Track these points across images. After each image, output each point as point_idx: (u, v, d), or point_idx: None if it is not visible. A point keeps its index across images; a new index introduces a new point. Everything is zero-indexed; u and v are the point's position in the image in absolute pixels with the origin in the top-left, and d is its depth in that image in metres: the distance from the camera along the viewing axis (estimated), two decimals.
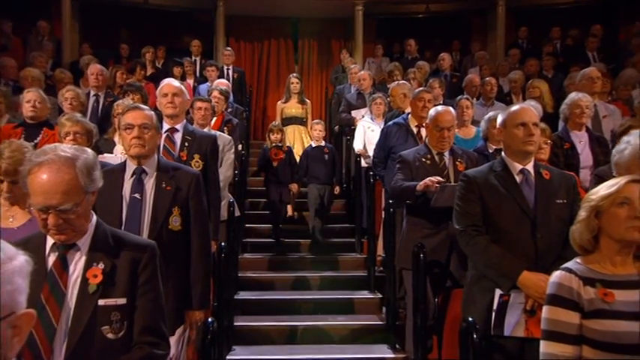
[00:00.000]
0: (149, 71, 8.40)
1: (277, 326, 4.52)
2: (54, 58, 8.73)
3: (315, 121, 6.64)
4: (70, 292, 1.70)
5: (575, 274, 1.91)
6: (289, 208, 6.32)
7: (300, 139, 7.17)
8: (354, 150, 6.24)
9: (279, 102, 7.44)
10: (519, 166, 2.70)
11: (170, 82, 3.59)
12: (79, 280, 1.71)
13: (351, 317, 4.75)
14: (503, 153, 2.80)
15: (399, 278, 4.20)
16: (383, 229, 5.16)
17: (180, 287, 2.66)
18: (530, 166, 2.72)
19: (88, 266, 1.72)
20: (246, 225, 6.22)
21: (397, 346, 4.19)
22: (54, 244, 1.72)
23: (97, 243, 1.76)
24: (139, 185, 2.65)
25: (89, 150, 1.76)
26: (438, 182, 3.30)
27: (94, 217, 1.80)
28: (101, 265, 1.73)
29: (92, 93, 5.64)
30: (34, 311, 0.99)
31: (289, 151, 6.33)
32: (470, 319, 2.49)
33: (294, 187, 6.21)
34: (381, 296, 4.91)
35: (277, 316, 4.64)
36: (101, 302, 1.70)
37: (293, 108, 7.23)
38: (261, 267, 5.63)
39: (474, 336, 2.40)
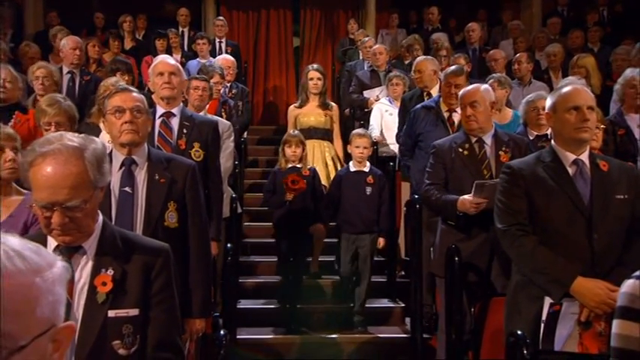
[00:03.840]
0: (128, 44, 8.43)
1: (284, 339, 4.57)
2: (14, 29, 8.72)
3: (358, 131, 5.13)
4: (76, 301, 1.73)
5: None
6: (313, 263, 5.21)
7: (322, 160, 5.67)
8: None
9: (293, 106, 5.96)
10: (572, 157, 2.71)
11: (166, 60, 3.64)
12: (85, 288, 1.75)
13: (370, 329, 4.80)
14: (552, 141, 2.82)
15: (427, 284, 4.26)
16: (404, 227, 5.22)
17: (179, 293, 2.72)
18: (584, 157, 2.73)
19: (95, 272, 1.76)
20: (245, 223, 6.25)
21: None
22: (57, 246, 1.76)
23: (104, 246, 1.79)
24: (129, 178, 2.68)
25: (97, 139, 1.80)
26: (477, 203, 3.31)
27: (100, 217, 1.84)
28: (110, 272, 1.76)
29: (66, 70, 5.66)
30: (75, 323, 1.03)
31: (313, 175, 4.90)
32: (518, 332, 2.54)
33: (318, 230, 4.87)
34: (403, 305, 4.97)
35: (284, 327, 4.69)
36: (111, 313, 1.74)
37: (312, 115, 5.74)
38: (263, 272, 5.68)
39: (525, 352, 2.44)
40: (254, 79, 10.36)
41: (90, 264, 1.77)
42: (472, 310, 3.34)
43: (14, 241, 0.99)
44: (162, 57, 3.71)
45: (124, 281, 1.78)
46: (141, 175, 2.70)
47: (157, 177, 2.70)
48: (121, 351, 1.74)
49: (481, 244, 3.43)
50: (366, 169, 4.90)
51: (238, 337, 4.52)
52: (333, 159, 5.73)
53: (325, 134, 5.77)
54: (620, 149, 4.31)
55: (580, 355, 2.58)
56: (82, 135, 1.79)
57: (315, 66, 5.96)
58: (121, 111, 2.68)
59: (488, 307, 3.29)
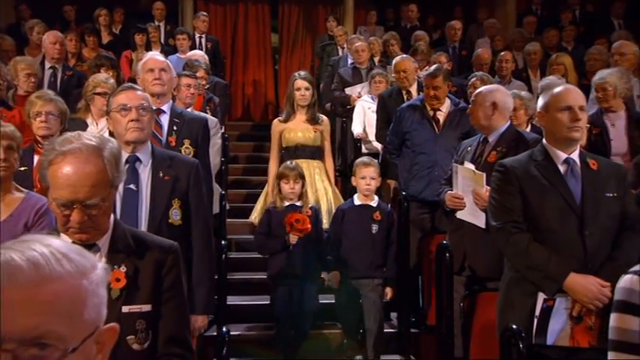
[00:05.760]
0: (105, 38, 8.34)
1: (272, 335, 4.58)
2: None
3: (364, 160, 4.42)
4: None
5: None
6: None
7: (311, 183, 4.82)
8: (352, 134, 6.30)
9: (277, 120, 5.20)
10: (564, 155, 2.78)
11: (155, 56, 3.66)
12: None
13: None
14: (544, 140, 2.89)
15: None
16: None
17: None
18: (575, 155, 2.80)
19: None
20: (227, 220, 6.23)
21: (412, 357, 4.31)
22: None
23: (116, 243, 1.82)
24: (133, 175, 2.69)
25: (112, 138, 1.81)
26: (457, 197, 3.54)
27: (112, 215, 1.86)
28: (123, 268, 1.80)
29: (48, 65, 5.60)
30: (118, 325, 1.04)
31: (316, 216, 4.24)
32: (514, 326, 2.61)
33: (330, 279, 4.27)
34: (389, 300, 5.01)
35: (271, 323, 4.70)
36: (125, 309, 1.77)
37: (299, 130, 5.00)
38: (247, 268, 5.68)
39: (520, 345, 2.51)
40: (232, 75, 10.32)
41: (103, 261, 1.78)
42: (462, 304, 3.42)
43: (58, 243, 1.00)
44: (152, 54, 3.72)
45: (136, 278, 1.81)
46: (145, 173, 2.71)
47: (161, 174, 2.71)
48: (135, 346, 1.78)
49: (460, 238, 3.62)
50: (374, 204, 4.27)
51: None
52: (323, 182, 4.97)
53: (315, 152, 5.02)
54: (593, 148, 4.40)
55: (571, 349, 2.67)
56: (99, 135, 1.81)
57: (302, 74, 5.20)
58: (127, 109, 2.69)
59: (476, 302, 3.37)
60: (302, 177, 4.22)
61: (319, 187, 4.87)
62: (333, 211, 4.57)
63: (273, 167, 4.96)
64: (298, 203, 4.18)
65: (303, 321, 4.14)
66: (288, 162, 4.42)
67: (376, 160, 4.45)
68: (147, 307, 1.80)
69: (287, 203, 4.17)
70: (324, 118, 5.19)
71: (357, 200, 4.30)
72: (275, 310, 4.18)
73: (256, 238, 4.36)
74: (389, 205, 4.43)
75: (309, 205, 4.24)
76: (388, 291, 4.25)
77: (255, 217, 5.02)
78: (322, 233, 4.25)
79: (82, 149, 1.70)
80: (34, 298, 0.91)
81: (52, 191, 1.72)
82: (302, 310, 4.10)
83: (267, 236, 4.17)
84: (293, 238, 4.00)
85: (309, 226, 4.01)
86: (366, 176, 4.23)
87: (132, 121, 2.67)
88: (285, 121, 5.07)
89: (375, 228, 4.19)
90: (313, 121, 5.01)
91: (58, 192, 1.70)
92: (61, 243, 1.00)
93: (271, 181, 4.74)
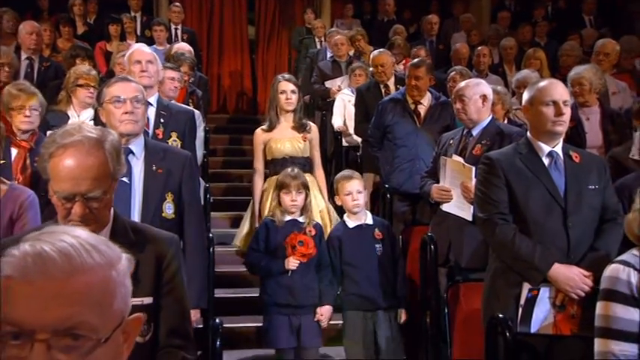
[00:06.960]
0: (80, 29, 8.22)
1: (255, 328, 4.60)
2: None
3: (344, 174, 3.90)
4: None
5: (634, 267, 2.09)
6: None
7: None
8: (332, 127, 6.33)
9: (260, 129, 4.50)
10: (547, 148, 2.84)
11: (142, 48, 3.64)
12: None
13: (339, 316, 4.86)
14: (528, 133, 2.95)
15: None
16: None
17: None
18: (558, 148, 2.87)
19: None
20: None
21: None
22: None
23: (117, 236, 1.81)
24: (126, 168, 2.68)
25: (112, 130, 1.81)
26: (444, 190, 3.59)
27: (112, 208, 1.85)
28: None
29: (24, 56, 5.52)
30: (143, 315, 1.06)
31: (320, 235, 3.70)
32: (500, 315, 2.67)
33: (323, 314, 3.64)
34: None
35: (259, 316, 4.72)
36: None
37: (287, 140, 4.38)
38: (228, 261, 5.67)
39: (507, 334, 2.57)
40: (208, 67, 10.25)
41: None
42: (445, 295, 3.48)
43: (85, 234, 1.01)
44: (139, 45, 3.71)
45: (137, 270, 1.79)
46: (138, 166, 2.70)
47: (154, 167, 2.70)
48: (137, 339, 1.77)
49: (445, 230, 3.68)
50: (370, 222, 3.75)
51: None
52: (316, 198, 4.29)
53: (305, 165, 4.35)
54: (569, 141, 4.47)
55: (554, 336, 2.74)
56: (99, 127, 1.81)
57: (286, 76, 4.56)
58: (121, 101, 2.67)
59: (459, 292, 3.43)
60: (305, 187, 3.71)
61: (312, 203, 4.10)
62: (329, 229, 4.05)
63: (259, 183, 4.41)
64: (300, 219, 3.68)
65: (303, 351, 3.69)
66: (289, 169, 3.84)
67: (358, 173, 3.99)
68: (148, 300, 1.79)
69: (288, 218, 3.66)
70: (313, 125, 4.60)
71: (350, 221, 3.74)
72: (274, 342, 3.67)
73: (249, 256, 3.79)
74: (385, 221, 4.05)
75: (313, 223, 3.71)
76: (402, 313, 3.73)
77: (239, 243, 4.55)
78: (326, 255, 3.69)
79: (84, 142, 1.69)
80: (67, 288, 0.92)
81: (53, 184, 1.71)
82: (301, 342, 3.63)
83: (263, 255, 3.65)
84: (294, 263, 3.52)
85: (314, 250, 3.55)
86: (352, 191, 3.69)
87: (126, 113, 2.65)
88: (270, 129, 4.41)
89: (379, 249, 3.68)
90: (301, 128, 4.41)
91: (60, 185, 1.69)
92: (88, 234, 1.01)
93: (257, 199, 4.36)
